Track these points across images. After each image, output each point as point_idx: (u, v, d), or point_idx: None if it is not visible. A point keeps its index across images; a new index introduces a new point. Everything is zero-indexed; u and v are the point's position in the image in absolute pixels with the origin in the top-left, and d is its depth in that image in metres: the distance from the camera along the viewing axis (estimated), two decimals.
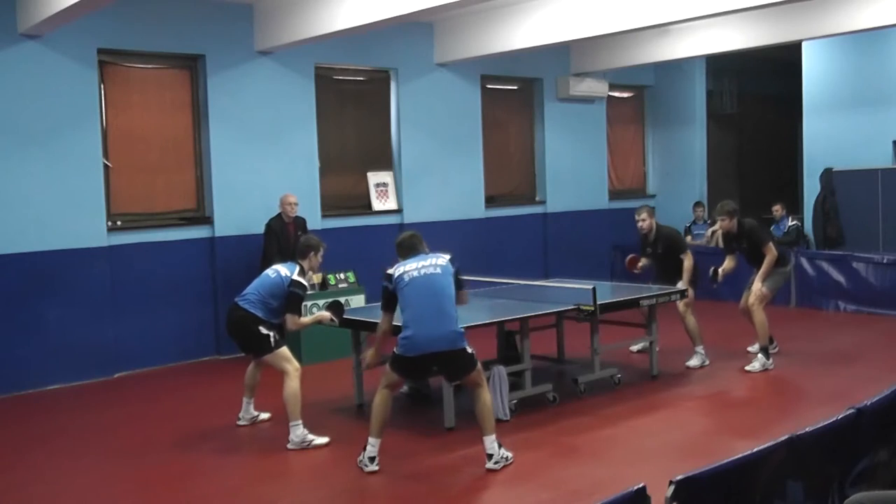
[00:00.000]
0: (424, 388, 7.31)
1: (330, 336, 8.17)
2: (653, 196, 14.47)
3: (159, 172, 9.19)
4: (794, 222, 12.72)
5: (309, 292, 8.98)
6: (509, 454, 5.57)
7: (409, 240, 5.82)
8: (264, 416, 6.82)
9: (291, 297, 6.28)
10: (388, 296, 5.67)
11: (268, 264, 8.98)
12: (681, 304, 8.05)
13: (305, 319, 6.58)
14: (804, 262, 11.29)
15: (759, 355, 7.97)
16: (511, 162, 12.52)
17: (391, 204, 10.91)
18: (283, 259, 9.05)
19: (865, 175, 12.08)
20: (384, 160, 10.99)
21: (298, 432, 6.08)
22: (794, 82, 13.32)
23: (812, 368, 8.08)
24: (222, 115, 9.35)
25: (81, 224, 8.46)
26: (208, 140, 9.31)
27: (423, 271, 5.54)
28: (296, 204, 9.14)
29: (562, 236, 12.75)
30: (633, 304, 7.53)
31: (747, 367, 7.93)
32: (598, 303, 6.92)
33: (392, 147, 11.01)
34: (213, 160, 9.32)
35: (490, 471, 5.47)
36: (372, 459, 5.52)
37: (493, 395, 6.55)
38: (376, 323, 6.55)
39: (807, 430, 3.50)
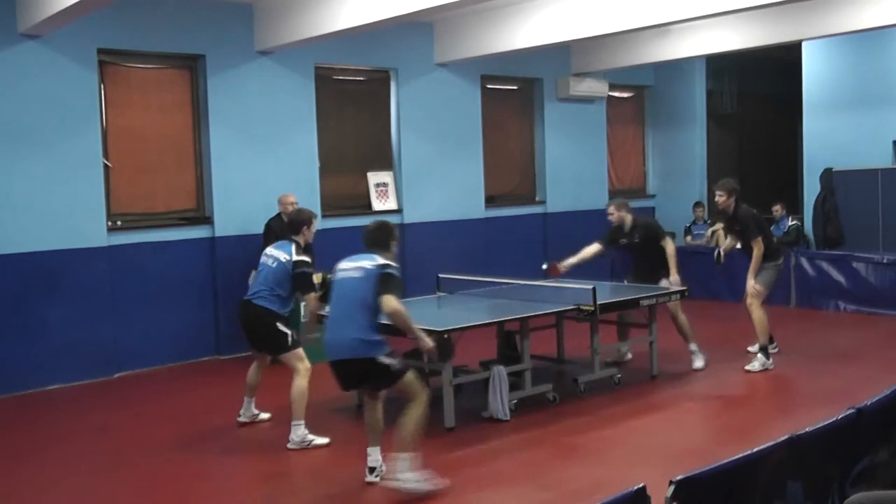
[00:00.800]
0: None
1: None
2: (653, 196, 14.48)
3: (159, 172, 9.19)
4: (794, 222, 12.72)
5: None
6: (419, 480, 5.05)
7: (371, 234, 5.43)
8: (265, 415, 6.81)
9: (300, 277, 6.16)
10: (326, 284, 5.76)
11: None
12: (671, 304, 7.98)
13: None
14: (804, 262, 11.30)
15: (759, 355, 7.97)
16: (511, 162, 12.52)
17: (391, 204, 10.91)
18: None
19: (865, 175, 12.08)
20: (384, 160, 10.99)
21: (300, 432, 6.07)
22: (794, 82, 13.31)
23: (812, 368, 8.07)
24: (222, 116, 9.35)
25: (81, 224, 8.47)
26: (208, 140, 9.32)
27: (346, 273, 5.29)
28: (295, 204, 9.13)
29: (562, 236, 12.73)
30: (633, 304, 7.54)
31: (747, 367, 7.93)
32: (598, 303, 6.93)
33: (392, 147, 11.02)
34: (213, 160, 9.33)
35: (370, 483, 5.26)
36: (371, 470, 5.33)
37: (492, 395, 6.57)
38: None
39: (807, 430, 3.50)
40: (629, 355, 8.37)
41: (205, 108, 9.32)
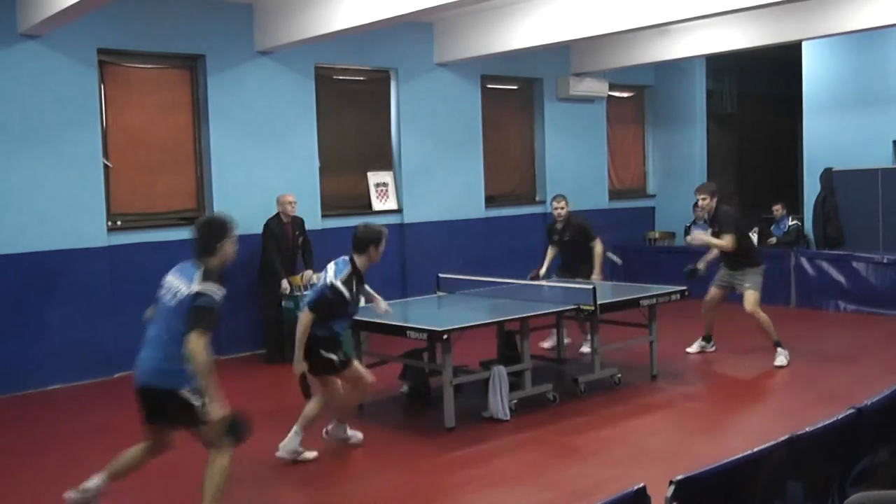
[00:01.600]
0: (424, 387, 7.31)
1: None
2: (653, 196, 14.48)
3: (159, 172, 9.19)
4: (794, 222, 12.73)
5: (308, 292, 9.05)
6: None
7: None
8: (357, 436, 6.19)
9: (330, 295, 5.65)
10: None
11: (268, 265, 9.04)
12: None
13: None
14: (804, 262, 11.30)
15: (778, 350, 8.07)
16: (511, 162, 12.51)
17: (391, 204, 10.91)
18: (282, 260, 9.10)
19: (865, 175, 12.08)
20: (384, 160, 10.99)
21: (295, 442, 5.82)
22: (794, 82, 13.31)
23: (812, 368, 8.07)
24: (222, 115, 9.35)
25: (81, 224, 8.46)
26: (208, 140, 9.32)
27: (167, 292, 4.44)
28: (294, 203, 9.14)
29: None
30: (634, 304, 7.54)
31: (775, 363, 8.02)
32: (598, 303, 6.93)
33: (392, 147, 11.02)
34: (213, 160, 9.33)
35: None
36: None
37: (492, 395, 6.57)
38: (377, 323, 6.57)
39: (807, 430, 3.50)
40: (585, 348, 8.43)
41: (205, 108, 9.32)
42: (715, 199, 8.16)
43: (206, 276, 4.31)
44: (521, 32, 10.03)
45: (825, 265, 11.15)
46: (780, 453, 3.33)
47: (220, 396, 4.29)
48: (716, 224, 8.25)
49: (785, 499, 3.35)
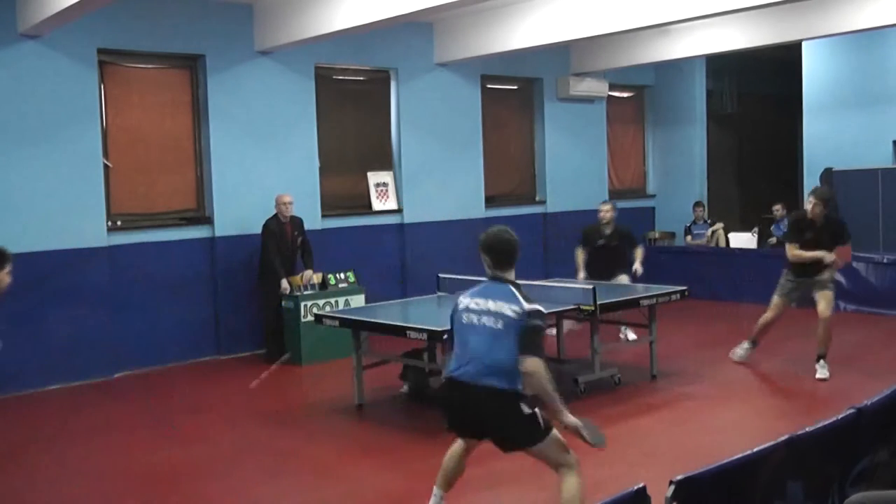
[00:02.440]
0: (424, 387, 7.30)
1: (330, 336, 8.18)
2: (653, 196, 14.48)
3: (159, 172, 9.18)
4: None
5: (308, 292, 9.06)
6: None
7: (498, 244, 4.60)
8: None
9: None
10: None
11: (268, 265, 9.03)
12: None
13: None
14: None
15: (821, 362, 7.67)
16: (511, 162, 12.51)
17: (391, 204, 10.91)
18: (282, 260, 9.07)
19: (865, 175, 12.07)
20: (384, 160, 10.99)
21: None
22: (794, 82, 13.31)
23: (812, 368, 8.06)
24: (222, 115, 9.35)
25: (81, 224, 8.46)
26: (208, 140, 9.31)
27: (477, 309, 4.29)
28: (291, 203, 9.11)
29: (562, 236, 12.73)
30: (634, 304, 7.54)
31: (818, 376, 7.60)
32: (598, 303, 6.93)
33: (392, 147, 11.01)
34: (213, 160, 9.32)
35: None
36: None
37: None
38: (376, 322, 6.57)
39: (807, 430, 3.50)
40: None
41: (205, 108, 9.32)
42: (821, 206, 7.91)
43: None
44: (521, 32, 10.03)
45: None
46: (780, 453, 3.33)
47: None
48: (823, 232, 7.88)
49: (785, 499, 3.35)
